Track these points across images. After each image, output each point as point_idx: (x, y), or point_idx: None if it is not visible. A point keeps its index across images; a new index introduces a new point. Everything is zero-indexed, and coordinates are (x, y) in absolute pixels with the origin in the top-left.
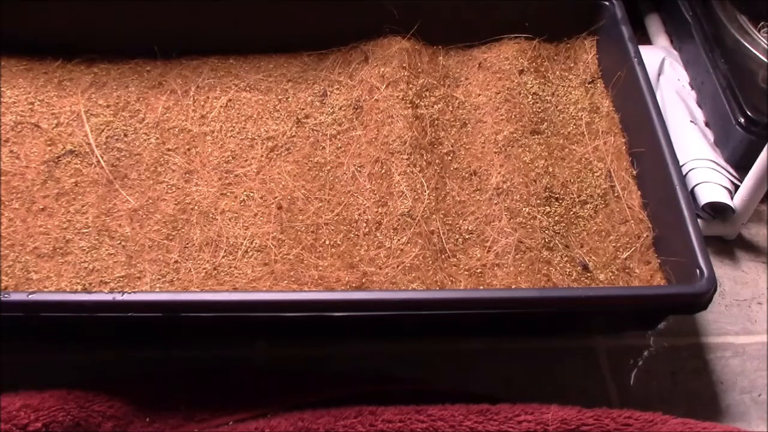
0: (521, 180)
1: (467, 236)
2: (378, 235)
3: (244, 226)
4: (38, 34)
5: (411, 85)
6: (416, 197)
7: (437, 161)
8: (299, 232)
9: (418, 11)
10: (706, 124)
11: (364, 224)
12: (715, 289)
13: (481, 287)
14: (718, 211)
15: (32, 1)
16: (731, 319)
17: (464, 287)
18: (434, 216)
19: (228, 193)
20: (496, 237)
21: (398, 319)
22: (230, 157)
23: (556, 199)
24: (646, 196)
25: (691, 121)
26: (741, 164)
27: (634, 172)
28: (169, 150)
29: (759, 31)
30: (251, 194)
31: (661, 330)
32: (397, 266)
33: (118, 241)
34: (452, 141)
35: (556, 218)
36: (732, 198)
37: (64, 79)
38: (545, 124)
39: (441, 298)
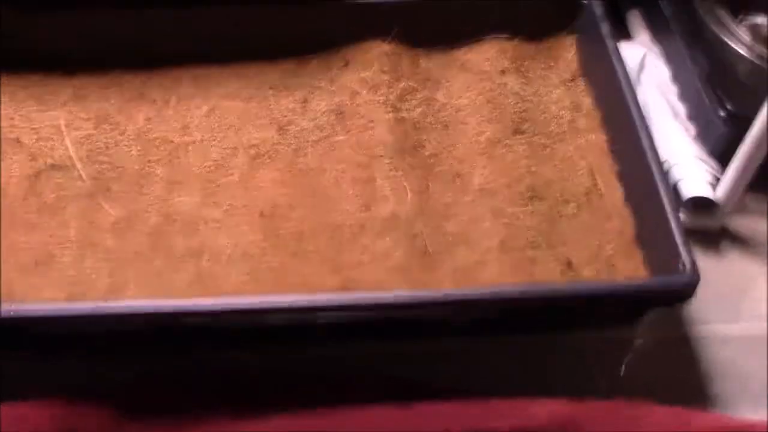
0: (505, 180)
1: (451, 238)
2: (362, 239)
3: (227, 235)
4: (16, 47)
5: (392, 89)
6: (399, 201)
7: (420, 164)
8: (283, 239)
9: (398, 14)
10: (688, 119)
11: (348, 229)
12: (698, 281)
13: (464, 287)
14: (701, 204)
15: (9, 15)
16: (716, 309)
17: (448, 288)
18: (418, 219)
19: (211, 203)
20: (480, 238)
21: (384, 320)
22: (213, 167)
23: (540, 198)
24: (628, 192)
25: (672, 117)
26: (723, 158)
27: (617, 169)
28: (151, 161)
29: (738, 25)
30: (234, 203)
31: (647, 322)
32: (382, 269)
33: (102, 254)
34: (435, 144)
35: (540, 217)
36: (715, 191)
37: (43, 93)
38: (527, 123)
39: (426, 298)
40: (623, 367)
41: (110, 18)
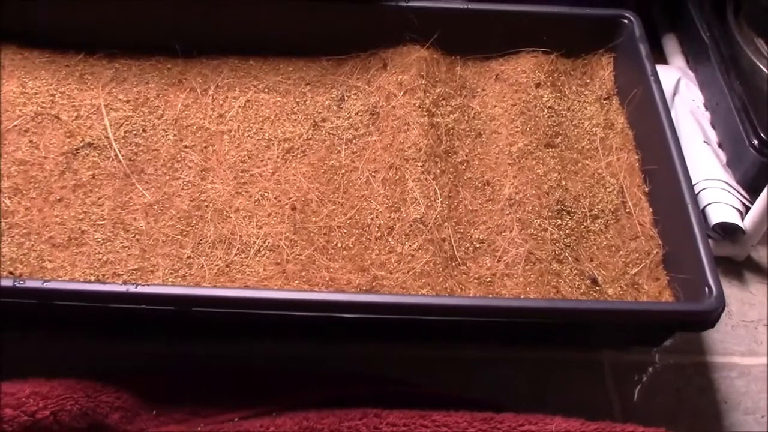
0: (534, 192)
1: (478, 245)
2: (390, 240)
3: (257, 225)
4: (62, 27)
5: (428, 94)
6: (429, 204)
7: (451, 170)
8: (312, 234)
9: (438, 21)
10: (720, 145)
11: (377, 229)
12: (723, 308)
13: (490, 296)
14: (728, 231)
15: None
16: (737, 339)
17: (473, 295)
18: (446, 224)
19: (243, 192)
20: (506, 247)
21: (406, 323)
22: (246, 157)
23: (568, 213)
24: (657, 213)
25: (704, 141)
26: (753, 186)
27: (647, 189)
28: (186, 147)
29: None
30: (266, 194)
31: (668, 347)
32: (408, 271)
33: (133, 235)
34: (467, 150)
35: (567, 231)
36: (743, 219)
37: (85, 73)
38: (559, 138)
39: (450, 304)
40: (636, 392)
41: (154, 5)
